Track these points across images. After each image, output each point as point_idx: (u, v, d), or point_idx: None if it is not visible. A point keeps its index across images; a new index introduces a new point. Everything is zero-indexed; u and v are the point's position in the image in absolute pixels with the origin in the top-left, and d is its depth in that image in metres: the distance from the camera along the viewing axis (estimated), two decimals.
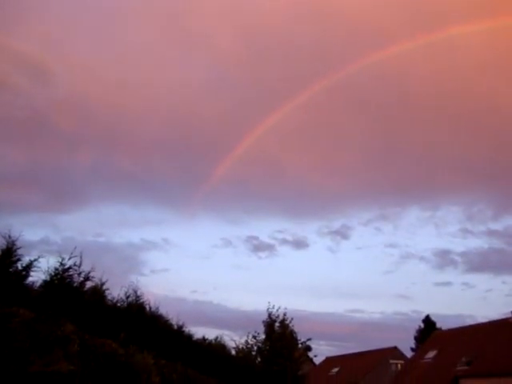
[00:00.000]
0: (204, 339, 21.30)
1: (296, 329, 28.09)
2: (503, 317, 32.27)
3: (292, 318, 27.52)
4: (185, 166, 55.03)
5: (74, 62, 42.48)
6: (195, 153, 52.66)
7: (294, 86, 42.90)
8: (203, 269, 71.02)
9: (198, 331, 20.51)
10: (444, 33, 36.15)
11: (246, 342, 27.33)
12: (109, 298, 13.83)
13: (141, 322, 14.27)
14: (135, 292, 15.42)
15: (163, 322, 16.39)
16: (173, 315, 17.38)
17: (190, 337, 18.59)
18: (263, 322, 27.43)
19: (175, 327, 17.42)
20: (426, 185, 59.54)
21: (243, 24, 43.80)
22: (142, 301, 15.48)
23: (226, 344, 24.71)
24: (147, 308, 15.80)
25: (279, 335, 27.21)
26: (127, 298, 15.06)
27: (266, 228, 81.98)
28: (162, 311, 16.58)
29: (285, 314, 27.34)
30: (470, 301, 62.30)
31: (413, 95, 47.52)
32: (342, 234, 71.32)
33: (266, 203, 64.14)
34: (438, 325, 48.64)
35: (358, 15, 40.94)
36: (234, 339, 27.69)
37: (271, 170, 58.00)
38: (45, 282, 11.54)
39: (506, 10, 35.29)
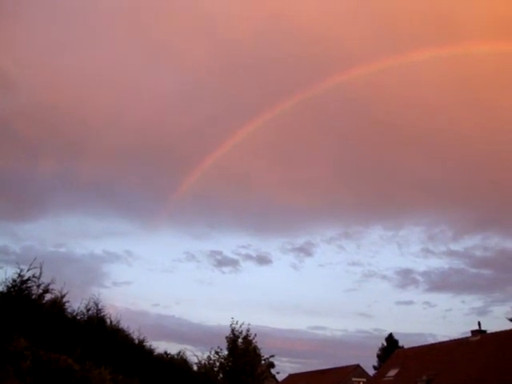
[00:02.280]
0: (166, 354, 21.05)
1: (259, 345, 27.93)
2: (462, 336, 32.92)
3: (255, 334, 27.37)
4: (150, 178, 54.80)
5: (38, 71, 41.97)
6: (162, 165, 52.50)
7: (264, 102, 43.34)
8: (166, 282, 70.50)
9: (160, 346, 20.28)
10: (407, 57, 37.30)
11: (209, 357, 27.01)
12: (69, 310, 13.60)
13: (101, 336, 14.01)
14: (96, 305, 15.19)
15: (124, 336, 16.14)
16: (134, 329, 17.15)
17: (150, 351, 18.34)
18: (226, 337, 27.19)
19: (136, 341, 17.17)
20: (389, 204, 60.93)
21: (216, 39, 44.16)
22: (102, 314, 15.26)
23: (188, 359, 24.45)
24: (108, 321, 15.56)
25: (242, 351, 26.99)
26: (88, 310, 14.82)
27: (229, 243, 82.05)
28: (123, 325, 16.36)
29: (248, 330, 27.16)
30: (430, 319, 63.46)
31: (378, 117, 48.68)
32: (306, 250, 72.02)
33: (231, 218, 64.46)
34: (401, 343, 49.22)
35: (328, 36, 41.85)
36: (196, 354, 27.34)
37: (237, 186, 58.32)
38: (1, 293, 11.23)
39: (467, 37, 36.80)
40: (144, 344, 17.72)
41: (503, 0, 38.99)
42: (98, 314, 15.07)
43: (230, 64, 45.59)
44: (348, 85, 40.46)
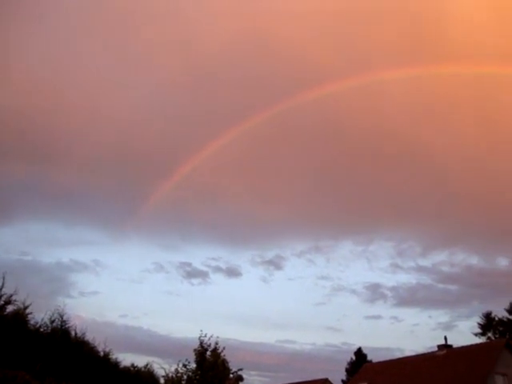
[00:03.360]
0: (133, 367, 20.67)
1: (228, 358, 27.61)
2: (429, 350, 33.36)
3: (224, 347, 27.07)
4: (121, 187, 54.17)
5: (9, 75, 41.28)
6: (133, 175, 52.06)
7: (236, 116, 43.66)
8: (134, 293, 69.08)
9: (127, 358, 19.92)
10: (377, 76, 38.16)
11: (176, 370, 26.52)
12: (32, 322, 13.21)
13: (65, 349, 13.67)
14: (61, 316, 14.83)
15: (89, 349, 15.79)
16: (100, 341, 16.78)
17: (116, 364, 17.99)
18: (194, 350, 26.78)
19: (101, 354, 16.80)
20: (360, 220, 61.66)
21: (190, 50, 44.23)
22: (67, 325, 14.92)
23: (155, 372, 24.07)
24: (73, 333, 15.21)
25: (211, 364, 26.65)
26: (52, 322, 14.46)
27: (199, 255, 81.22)
28: (89, 336, 15.99)
29: (217, 343, 26.82)
30: (398, 334, 63.74)
31: (349, 133, 49.60)
32: (276, 264, 71.68)
33: (202, 230, 64.20)
34: (369, 357, 49.49)
35: (302, 53, 42.43)
36: (163, 367, 26.83)
37: (209, 198, 58.28)
38: None
39: (431, 60, 38.00)
40: (110, 357, 17.39)
41: (484, 28, 40.31)
42: (62, 325, 14.73)
43: (203, 77, 45.77)
44: (319, 101, 41.08)
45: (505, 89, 42.38)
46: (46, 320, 14.31)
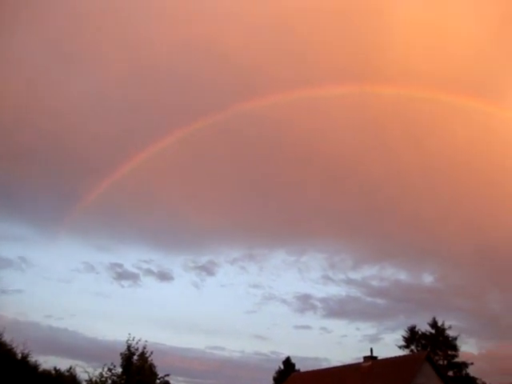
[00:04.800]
0: (55, 370, 19.82)
1: (155, 363, 27.20)
2: (355, 361, 34.04)
3: (152, 352, 26.61)
4: (56, 184, 52.62)
5: None
6: (69, 172, 50.66)
7: (177, 119, 43.48)
8: (61, 293, 66.93)
9: (49, 361, 19.11)
10: (319, 91, 39.13)
11: (101, 374, 25.79)
12: None
13: None
14: None
15: (4, 350, 14.93)
16: (19, 342, 15.92)
17: (35, 367, 17.14)
18: (121, 353, 26.14)
19: (19, 356, 15.95)
20: (293, 230, 63.00)
21: (137, 51, 43.68)
22: None
23: (78, 376, 23.24)
24: None
25: (137, 369, 26.05)
26: None
27: (131, 256, 79.72)
28: (8, 337, 15.13)
29: (145, 347, 26.32)
30: (326, 344, 65.09)
31: (287, 144, 50.57)
32: (208, 270, 71.57)
33: (135, 232, 63.42)
34: (297, 366, 49.95)
35: (248, 61, 42.83)
36: (87, 371, 26.10)
37: (144, 200, 57.77)
38: None
39: (371, 79, 39.45)
40: (28, 359, 16.52)
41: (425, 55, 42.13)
42: None
43: (148, 80, 45.31)
44: (261, 111, 41.69)
45: (436, 113, 44.60)
46: None
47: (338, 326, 73.90)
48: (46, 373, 18.60)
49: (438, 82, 40.71)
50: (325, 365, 45.01)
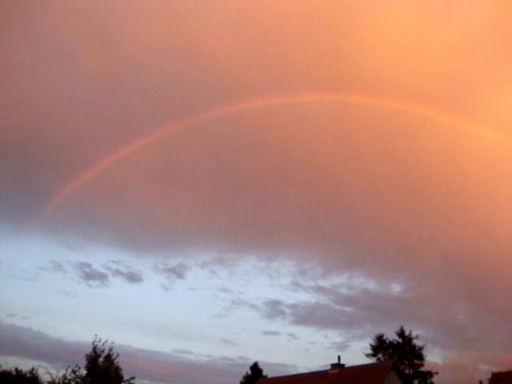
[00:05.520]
0: (16, 371, 19.26)
1: (121, 365, 26.85)
2: (323, 368, 34.17)
3: (118, 354, 26.21)
4: (27, 179, 51.54)
5: None
6: (41, 168, 49.74)
7: (153, 120, 43.23)
8: (27, 291, 65.39)
9: (11, 361, 18.50)
10: (298, 97, 39.46)
11: (64, 376, 25.21)
12: None
13: None
14: None
15: None
16: None
17: None
18: (86, 355, 25.67)
19: None
20: (265, 236, 63.27)
21: (116, 52, 43.32)
22: None
23: (41, 377, 22.70)
24: None
25: (102, 371, 25.61)
26: None
27: (100, 256, 78.69)
28: None
29: (111, 349, 25.90)
30: (294, 351, 65.16)
31: (263, 149, 50.78)
32: (178, 272, 70.81)
33: (105, 231, 62.74)
34: (265, 372, 49.84)
35: (226, 63, 42.89)
36: (50, 372, 25.55)
37: (116, 200, 57.24)
38: None
39: (346, 89, 40.00)
40: None
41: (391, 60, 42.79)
42: None
43: (124, 79, 44.94)
44: (238, 115, 41.76)
45: (409, 125, 45.44)
46: None
47: (306, 332, 74.12)
48: (6, 374, 18.04)
49: (413, 95, 41.50)
50: (292, 371, 45.12)
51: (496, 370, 31.74)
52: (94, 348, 25.70)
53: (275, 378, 38.55)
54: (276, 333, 67.35)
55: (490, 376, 31.29)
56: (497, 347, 53.99)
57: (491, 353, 53.29)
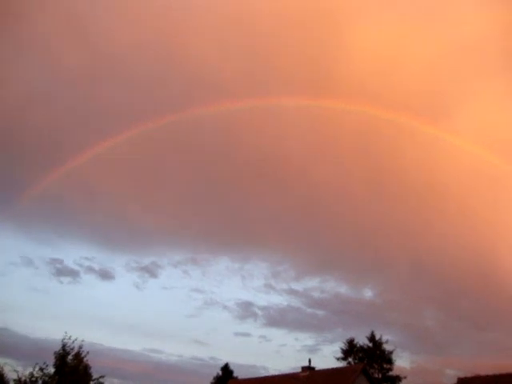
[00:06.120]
0: None
1: (91, 363, 26.43)
2: (293, 371, 34.36)
3: (88, 352, 25.88)
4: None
5: None
6: (15, 162, 48.92)
7: (129, 118, 43.00)
8: None
9: None
10: (278, 100, 39.74)
11: (31, 374, 24.80)
12: None
13: None
14: None
15: None
16: None
17: None
18: (55, 352, 25.29)
19: None
20: (239, 238, 63.40)
21: (94, 50, 42.99)
22: None
23: (6, 375, 22.26)
24: None
25: (71, 369, 25.26)
26: None
27: (73, 253, 77.25)
28: None
29: (81, 347, 25.57)
30: (265, 353, 64.99)
31: (239, 151, 51.03)
32: (151, 271, 70.17)
33: (79, 227, 61.97)
34: (236, 373, 49.80)
35: (205, 65, 42.89)
36: (16, 370, 25.05)
37: (90, 197, 56.67)
38: None
39: (322, 93, 40.43)
40: None
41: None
42: None
43: (101, 75, 44.67)
44: (215, 116, 41.82)
45: (387, 132, 46.09)
46: None
47: (278, 335, 74.03)
48: None
49: (393, 103, 42.07)
50: (263, 373, 45.13)
51: (462, 375, 32.35)
52: (64, 345, 25.34)
53: (246, 379, 38.59)
54: (247, 334, 67.38)
55: (456, 381, 31.90)
56: (464, 353, 54.99)
57: (458, 358, 54.29)
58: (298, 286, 72.90)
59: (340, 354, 45.92)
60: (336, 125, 46.75)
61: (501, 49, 43.11)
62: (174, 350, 78.40)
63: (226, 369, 51.38)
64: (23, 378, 24.65)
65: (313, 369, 32.59)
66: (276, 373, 38.82)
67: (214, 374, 51.67)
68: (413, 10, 41.87)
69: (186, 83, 43.86)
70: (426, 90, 45.31)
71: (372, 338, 45.28)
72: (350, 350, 45.85)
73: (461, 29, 41.03)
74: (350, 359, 45.34)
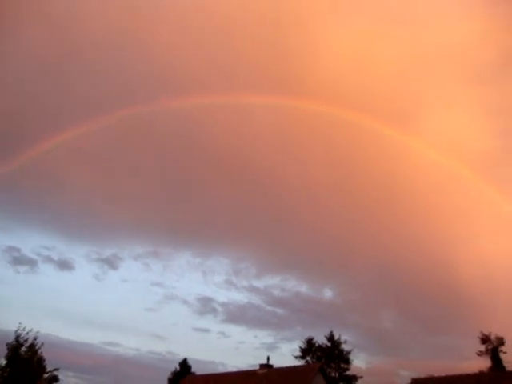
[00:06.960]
0: None
1: (45, 356, 25.87)
2: (251, 368, 34.45)
3: (43, 343, 25.32)
4: None
5: None
6: None
7: (97, 108, 42.47)
8: None
9: None
10: (248, 98, 39.79)
11: None
12: None
13: None
14: None
15: None
16: None
17: None
18: (7, 344, 24.64)
19: None
20: (201, 234, 63.34)
21: (59, 39, 42.26)
22: None
23: None
24: None
25: (24, 361, 24.66)
26: None
27: (31, 241, 75.65)
28: None
29: (35, 338, 25.00)
30: (224, 349, 65.19)
31: (205, 145, 50.88)
32: (111, 263, 69.34)
33: (38, 216, 60.66)
34: (194, 369, 49.64)
35: (179, 61, 42.68)
36: None
37: (53, 185, 55.57)
38: None
39: (292, 93, 40.74)
40: None
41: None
42: None
43: (73, 67, 44.01)
44: (184, 110, 41.65)
45: (354, 136, 46.74)
46: None
47: (237, 331, 74.25)
48: None
49: (359, 106, 42.60)
50: (221, 369, 45.33)
51: (416, 375, 33.03)
52: (17, 337, 24.73)
53: (204, 375, 38.49)
54: (207, 330, 67.33)
55: (409, 382, 32.59)
56: (418, 354, 56.25)
57: (412, 359, 55.49)
58: (258, 284, 73.35)
59: (298, 353, 46.34)
60: (303, 126, 47.23)
61: (474, 58, 44.26)
62: (131, 343, 77.69)
63: (184, 364, 51.11)
64: None
65: (271, 366, 32.75)
66: (234, 369, 39.03)
67: (172, 369, 51.36)
68: (384, 14, 42.59)
69: (154, 78, 43.83)
70: (393, 93, 46.13)
71: (331, 338, 45.81)
72: (309, 348, 46.28)
73: (434, 35, 41.92)
74: (308, 358, 45.76)
